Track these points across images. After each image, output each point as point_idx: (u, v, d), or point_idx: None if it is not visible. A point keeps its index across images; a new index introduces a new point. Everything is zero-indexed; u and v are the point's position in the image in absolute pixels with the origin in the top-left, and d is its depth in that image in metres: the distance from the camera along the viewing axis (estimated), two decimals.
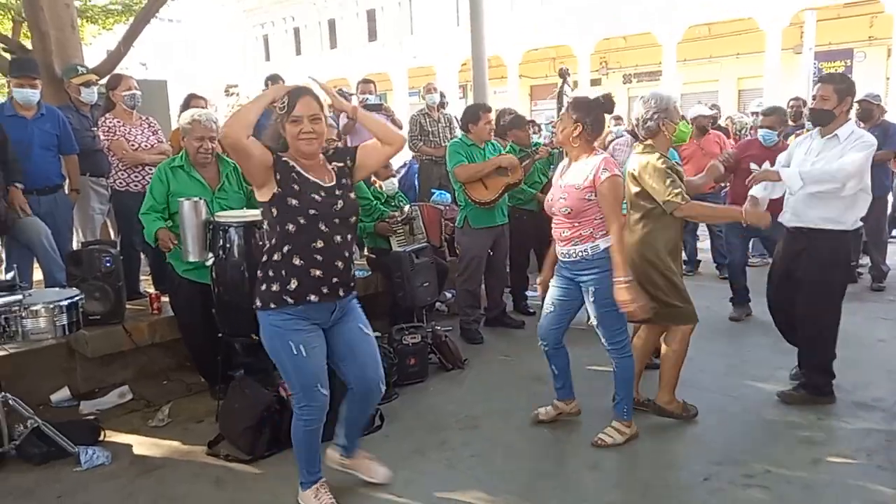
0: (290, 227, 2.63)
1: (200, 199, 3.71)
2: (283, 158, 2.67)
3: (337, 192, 2.73)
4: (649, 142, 3.54)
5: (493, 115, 5.24)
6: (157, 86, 7.28)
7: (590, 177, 3.21)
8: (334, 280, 2.69)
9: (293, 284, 2.63)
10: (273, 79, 6.67)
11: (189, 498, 3.07)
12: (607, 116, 4.18)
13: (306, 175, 2.69)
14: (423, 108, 7.46)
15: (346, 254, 2.74)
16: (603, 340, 3.39)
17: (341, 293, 2.74)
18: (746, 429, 3.55)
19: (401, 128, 7.68)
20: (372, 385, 2.88)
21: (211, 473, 3.27)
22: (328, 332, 2.78)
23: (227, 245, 3.66)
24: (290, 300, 2.63)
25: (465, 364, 4.61)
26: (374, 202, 5.15)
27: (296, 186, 2.64)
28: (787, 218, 3.86)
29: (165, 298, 4.67)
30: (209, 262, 3.72)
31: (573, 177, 3.30)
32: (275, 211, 2.64)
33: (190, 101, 5.64)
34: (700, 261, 7.20)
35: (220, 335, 3.85)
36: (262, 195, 2.67)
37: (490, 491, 3.02)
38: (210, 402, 3.96)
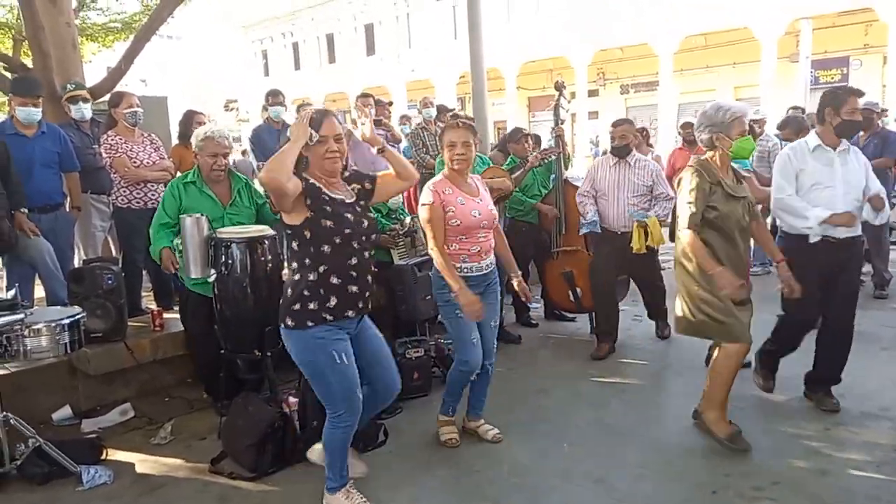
0: (326, 247, 2.68)
1: (202, 215, 3.71)
2: (311, 182, 2.69)
3: (359, 210, 2.82)
4: (703, 156, 3.43)
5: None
6: (158, 102, 7.31)
7: (484, 189, 3.48)
8: (367, 294, 2.80)
9: (332, 302, 2.69)
10: (273, 94, 6.67)
11: None
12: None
13: (333, 195, 2.74)
14: (421, 122, 7.49)
15: (373, 268, 2.86)
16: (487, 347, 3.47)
17: (369, 305, 2.85)
18: (755, 440, 3.51)
19: (399, 142, 7.72)
20: (395, 385, 3.00)
21: (214, 491, 3.24)
22: (353, 341, 2.84)
23: (230, 261, 3.66)
24: (329, 317, 2.69)
25: None
26: (376, 215, 5.15)
27: (328, 208, 2.69)
28: (841, 230, 3.59)
29: (168, 315, 4.66)
30: (211, 279, 3.71)
31: (482, 191, 3.44)
32: (308, 233, 2.67)
33: (191, 118, 5.65)
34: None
35: (221, 351, 3.83)
36: (293, 219, 2.69)
37: None
38: (213, 419, 3.93)
